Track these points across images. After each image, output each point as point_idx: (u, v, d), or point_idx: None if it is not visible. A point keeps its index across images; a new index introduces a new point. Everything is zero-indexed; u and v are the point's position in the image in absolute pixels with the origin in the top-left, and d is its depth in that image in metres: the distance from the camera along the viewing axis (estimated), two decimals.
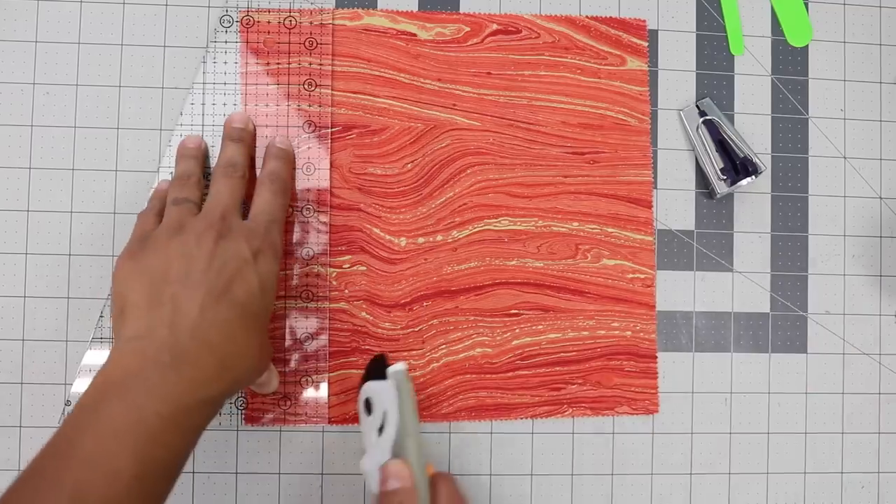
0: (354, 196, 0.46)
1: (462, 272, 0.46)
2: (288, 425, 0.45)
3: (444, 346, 0.46)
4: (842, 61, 0.50)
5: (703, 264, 0.48)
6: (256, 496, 0.45)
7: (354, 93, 0.46)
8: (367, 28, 0.47)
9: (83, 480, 0.31)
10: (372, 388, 0.40)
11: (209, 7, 0.46)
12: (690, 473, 0.47)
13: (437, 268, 0.46)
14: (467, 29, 0.47)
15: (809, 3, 0.50)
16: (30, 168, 0.45)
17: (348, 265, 0.46)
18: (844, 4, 0.50)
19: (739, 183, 0.47)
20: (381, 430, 0.38)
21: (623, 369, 0.47)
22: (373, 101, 0.46)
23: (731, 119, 0.49)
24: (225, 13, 0.46)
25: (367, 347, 0.46)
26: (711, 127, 0.48)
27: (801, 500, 0.48)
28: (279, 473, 0.45)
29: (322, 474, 0.45)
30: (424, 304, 0.46)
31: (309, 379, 0.45)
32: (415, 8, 0.47)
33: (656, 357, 0.47)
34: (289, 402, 0.45)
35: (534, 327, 0.47)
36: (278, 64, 0.46)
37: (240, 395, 0.45)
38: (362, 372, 0.42)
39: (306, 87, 0.46)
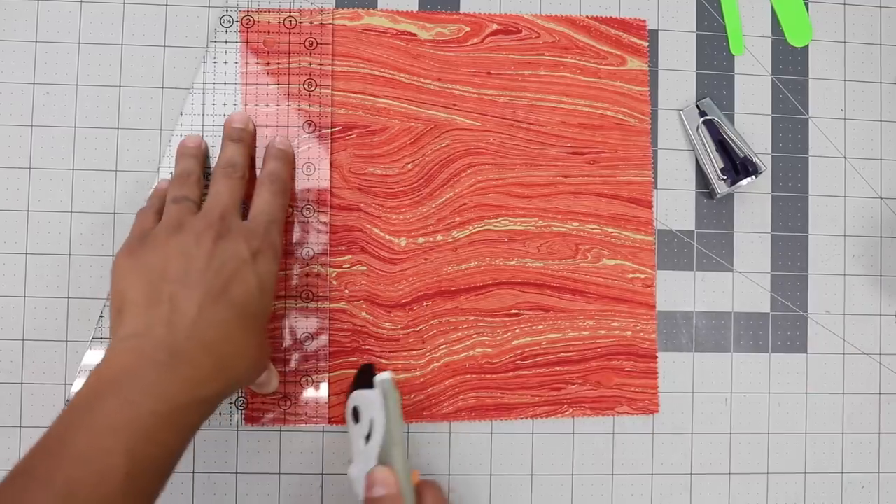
0: (354, 196, 0.46)
1: (462, 272, 0.46)
2: (288, 425, 0.45)
3: (444, 346, 0.46)
4: (842, 61, 0.50)
5: (703, 264, 0.48)
6: (256, 496, 0.45)
7: (354, 93, 0.46)
8: (368, 28, 0.47)
9: (74, 478, 0.31)
10: (359, 397, 0.40)
11: (209, 7, 0.46)
12: (690, 473, 0.47)
13: (437, 268, 0.46)
14: (467, 29, 0.47)
15: (809, 3, 0.50)
16: (30, 168, 0.45)
17: (348, 265, 0.46)
18: (844, 4, 0.50)
19: (739, 183, 0.47)
20: (368, 437, 0.39)
21: (623, 369, 0.47)
22: (373, 101, 0.46)
23: (731, 119, 0.49)
24: (225, 13, 0.46)
25: (367, 347, 0.46)
26: (711, 127, 0.48)
27: (801, 500, 0.48)
28: (279, 473, 0.45)
29: (322, 474, 0.45)
30: (424, 304, 0.46)
31: (309, 379, 0.45)
32: (415, 8, 0.47)
33: (656, 357, 0.47)
34: (289, 402, 0.45)
35: (534, 327, 0.47)
36: (278, 64, 0.46)
37: (240, 395, 0.45)
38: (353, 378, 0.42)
39: (306, 87, 0.46)
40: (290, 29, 0.46)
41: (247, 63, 0.46)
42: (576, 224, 0.47)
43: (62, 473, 0.31)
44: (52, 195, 0.45)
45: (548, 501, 0.46)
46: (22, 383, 0.44)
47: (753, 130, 0.49)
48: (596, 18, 0.48)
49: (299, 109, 0.46)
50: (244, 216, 0.41)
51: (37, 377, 0.44)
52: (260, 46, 0.46)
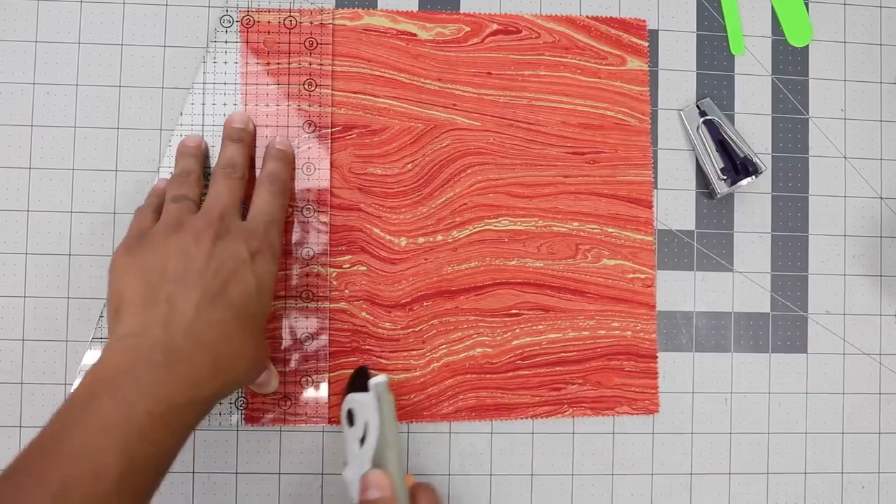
0: (354, 196, 0.46)
1: (462, 272, 0.46)
2: (288, 425, 0.45)
3: (444, 346, 0.46)
4: (842, 61, 0.50)
5: (703, 264, 0.48)
6: (256, 496, 0.45)
7: (354, 93, 0.46)
8: (368, 28, 0.47)
9: (68, 476, 0.31)
10: (354, 400, 0.40)
11: (209, 7, 0.46)
12: (690, 473, 0.47)
13: (437, 268, 0.46)
14: (467, 29, 0.47)
15: (810, 3, 0.50)
16: (30, 168, 0.45)
17: (348, 265, 0.46)
18: (845, 4, 0.50)
19: (739, 183, 0.47)
20: (362, 440, 0.39)
21: (623, 369, 0.47)
22: (373, 101, 0.46)
23: (731, 119, 0.49)
24: (225, 13, 0.46)
25: (367, 347, 0.46)
26: (712, 127, 0.48)
27: (801, 500, 0.48)
28: (279, 473, 0.45)
29: (322, 474, 0.45)
30: (425, 304, 0.46)
31: (309, 379, 0.45)
32: (415, 8, 0.47)
33: (656, 357, 0.47)
34: (289, 402, 0.45)
35: (534, 327, 0.47)
36: (278, 64, 0.46)
37: (240, 394, 0.45)
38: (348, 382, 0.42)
39: (306, 87, 0.46)
40: (290, 29, 0.46)
41: (247, 63, 0.46)
42: (576, 224, 0.47)
43: (56, 472, 0.31)
44: (52, 195, 0.45)
45: (548, 501, 0.46)
46: (22, 383, 0.44)
47: (753, 130, 0.49)
48: (596, 18, 0.48)
49: (299, 109, 0.46)
50: (244, 216, 0.41)
51: (37, 377, 0.44)
52: (260, 46, 0.46)
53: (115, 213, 0.45)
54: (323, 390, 0.45)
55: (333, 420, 0.45)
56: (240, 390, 0.45)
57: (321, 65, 0.46)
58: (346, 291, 0.46)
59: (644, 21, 0.48)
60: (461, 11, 0.48)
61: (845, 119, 0.49)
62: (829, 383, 0.48)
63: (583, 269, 0.47)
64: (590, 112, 0.48)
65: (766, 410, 0.48)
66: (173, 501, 0.44)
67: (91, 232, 0.45)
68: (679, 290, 0.48)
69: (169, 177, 0.44)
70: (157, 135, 0.46)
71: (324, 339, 0.45)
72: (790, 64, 0.49)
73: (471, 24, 0.47)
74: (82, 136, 0.45)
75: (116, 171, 0.46)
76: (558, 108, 0.47)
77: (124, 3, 0.46)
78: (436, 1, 0.47)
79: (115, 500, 0.32)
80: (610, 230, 0.47)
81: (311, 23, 0.46)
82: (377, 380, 0.39)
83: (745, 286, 0.48)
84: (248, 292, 0.38)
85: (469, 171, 0.47)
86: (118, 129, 0.46)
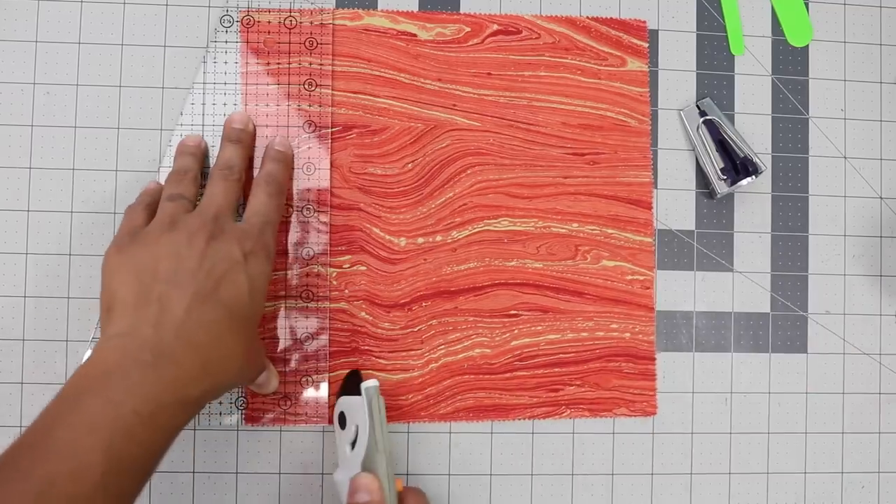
0: (354, 196, 0.46)
1: (461, 272, 0.46)
2: (288, 425, 0.45)
3: (442, 347, 0.46)
4: (842, 61, 0.50)
5: (703, 264, 0.48)
6: (256, 496, 0.45)
7: (355, 93, 0.46)
8: (368, 28, 0.47)
9: (53, 473, 0.31)
10: (346, 403, 0.40)
11: (209, 7, 0.46)
12: (690, 473, 0.47)
13: (436, 268, 0.46)
14: (468, 29, 0.47)
15: (810, 3, 0.50)
16: (30, 168, 0.45)
17: (348, 265, 0.46)
18: (844, 4, 0.50)
19: (739, 183, 0.47)
20: (353, 444, 0.39)
21: (621, 371, 0.47)
22: (373, 101, 0.46)
23: (731, 119, 0.49)
24: (225, 13, 0.46)
25: (366, 348, 0.46)
26: (712, 127, 0.48)
27: (801, 500, 0.48)
28: (279, 473, 0.45)
29: (322, 474, 0.45)
30: (424, 304, 0.46)
31: (309, 379, 0.45)
32: (415, 8, 0.47)
33: (655, 359, 0.47)
34: (289, 402, 0.45)
35: (533, 328, 0.47)
36: (278, 64, 0.46)
37: (240, 395, 0.45)
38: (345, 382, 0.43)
39: (306, 87, 0.46)
40: (290, 29, 0.46)
41: (247, 63, 0.46)
42: (575, 225, 0.47)
43: (42, 468, 0.31)
44: (52, 195, 0.45)
45: (548, 501, 0.46)
46: (22, 383, 0.45)
47: (753, 130, 0.49)
48: (596, 19, 0.48)
49: (299, 109, 0.46)
50: (240, 217, 0.41)
51: (37, 377, 0.45)
52: (260, 46, 0.46)
53: (115, 213, 0.45)
54: (323, 390, 0.45)
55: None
56: (240, 390, 0.45)
57: (321, 65, 0.46)
58: (346, 291, 0.46)
59: (644, 22, 0.48)
60: (461, 12, 0.48)
61: (845, 119, 0.49)
62: (829, 383, 0.48)
63: (582, 271, 0.47)
64: (590, 113, 0.48)
65: (766, 410, 0.48)
66: (173, 501, 0.45)
67: (91, 232, 0.45)
68: (679, 290, 0.48)
69: (165, 178, 0.44)
70: (157, 135, 0.46)
71: (324, 338, 0.45)
72: (790, 64, 0.49)
73: (471, 25, 0.47)
74: (82, 136, 0.46)
75: (116, 171, 0.46)
76: (558, 109, 0.47)
77: (124, 3, 0.46)
78: (436, 1, 0.47)
79: (98, 498, 0.32)
80: (609, 231, 0.47)
81: (311, 23, 0.46)
82: (368, 384, 0.39)
83: (745, 286, 0.48)
84: (241, 293, 0.38)
85: (469, 172, 0.47)
86: (118, 129, 0.46)
